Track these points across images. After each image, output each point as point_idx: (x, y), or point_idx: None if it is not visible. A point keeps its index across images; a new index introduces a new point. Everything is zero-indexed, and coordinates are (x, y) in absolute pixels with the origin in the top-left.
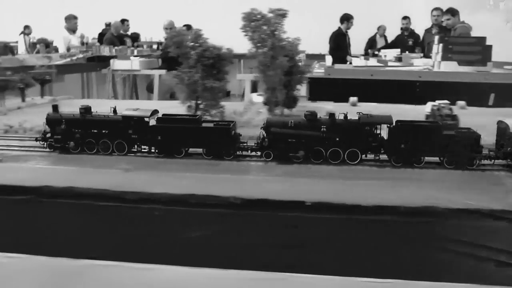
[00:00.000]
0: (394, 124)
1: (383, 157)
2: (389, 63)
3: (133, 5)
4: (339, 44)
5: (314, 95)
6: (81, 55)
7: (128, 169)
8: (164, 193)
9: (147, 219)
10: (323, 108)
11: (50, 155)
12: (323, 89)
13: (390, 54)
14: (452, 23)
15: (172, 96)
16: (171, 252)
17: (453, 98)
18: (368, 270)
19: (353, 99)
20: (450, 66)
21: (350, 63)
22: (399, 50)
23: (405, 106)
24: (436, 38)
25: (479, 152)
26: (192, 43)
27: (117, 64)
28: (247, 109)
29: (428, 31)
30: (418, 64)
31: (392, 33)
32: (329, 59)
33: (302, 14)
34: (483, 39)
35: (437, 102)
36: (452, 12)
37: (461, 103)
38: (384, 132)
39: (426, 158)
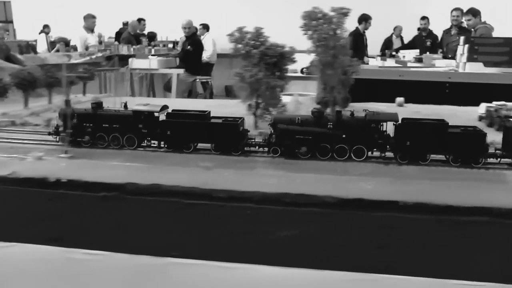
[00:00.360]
0: (399, 121)
1: (389, 154)
2: (411, 64)
3: (149, 4)
4: (357, 45)
5: (354, 97)
6: (100, 54)
7: (210, 167)
8: (256, 192)
9: (236, 217)
10: (376, 108)
11: (124, 152)
12: (352, 89)
13: (409, 55)
14: (473, 23)
15: (190, 95)
16: (261, 252)
17: (482, 99)
18: (461, 272)
19: (399, 99)
20: (476, 67)
21: (367, 64)
22: (418, 50)
23: (455, 107)
24: (462, 39)
25: (485, 151)
26: (253, 41)
27: (136, 63)
28: (297, 108)
29: (447, 32)
30: (440, 65)
31: (408, 34)
32: None
33: None
34: (511, 39)
35: (493, 103)
36: (474, 12)
37: (510, 104)
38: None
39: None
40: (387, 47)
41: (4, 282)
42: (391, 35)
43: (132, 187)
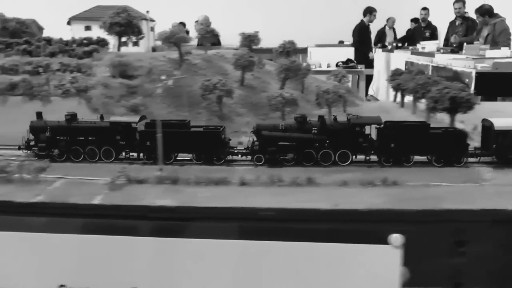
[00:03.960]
0: (382, 124)
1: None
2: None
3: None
4: (363, 37)
5: (480, 91)
6: None
7: None
8: None
9: None
10: None
11: None
12: (490, 84)
13: (429, 46)
14: (482, 21)
15: None
16: None
17: None
18: None
19: None
20: None
21: (372, 57)
22: (437, 41)
23: None
24: None
25: (466, 150)
26: None
27: None
28: None
29: (452, 23)
30: (492, 55)
31: (400, 25)
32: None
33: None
34: None
35: None
36: (481, 12)
37: None
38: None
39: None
40: (380, 39)
41: None
42: (384, 27)
43: None
